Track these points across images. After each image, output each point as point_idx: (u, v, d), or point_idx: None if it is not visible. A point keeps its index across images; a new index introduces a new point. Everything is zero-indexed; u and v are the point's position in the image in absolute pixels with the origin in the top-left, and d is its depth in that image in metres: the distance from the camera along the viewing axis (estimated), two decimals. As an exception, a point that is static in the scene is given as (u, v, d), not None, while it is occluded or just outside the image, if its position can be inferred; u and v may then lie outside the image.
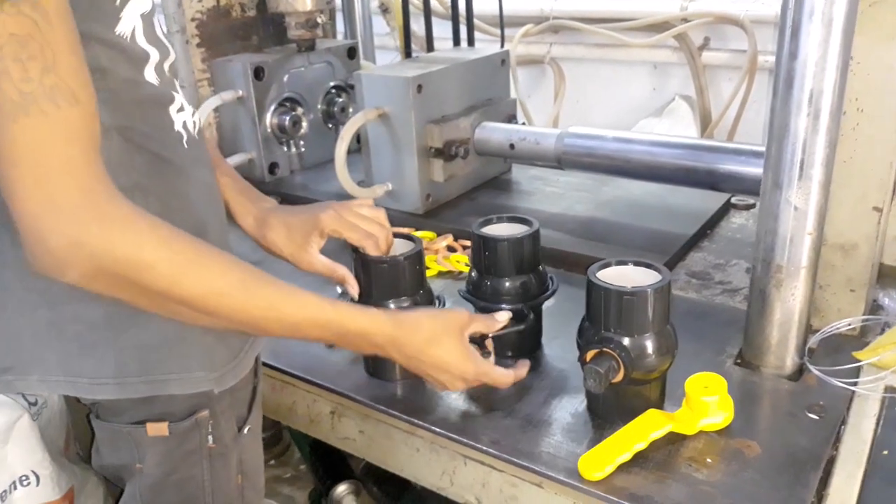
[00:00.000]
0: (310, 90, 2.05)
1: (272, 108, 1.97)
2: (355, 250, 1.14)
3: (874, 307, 1.27)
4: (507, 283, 1.17)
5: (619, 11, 2.98)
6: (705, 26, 2.85)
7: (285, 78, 1.98)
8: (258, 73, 1.90)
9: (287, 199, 1.94)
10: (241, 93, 1.93)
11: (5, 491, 1.48)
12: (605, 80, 3.12)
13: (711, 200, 1.70)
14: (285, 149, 2.04)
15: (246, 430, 1.03)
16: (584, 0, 3.05)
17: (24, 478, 1.50)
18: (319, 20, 1.98)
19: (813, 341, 1.18)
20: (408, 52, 2.21)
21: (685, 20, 2.83)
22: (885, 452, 0.99)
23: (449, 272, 1.50)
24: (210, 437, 0.97)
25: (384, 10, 3.46)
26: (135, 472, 0.98)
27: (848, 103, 1.09)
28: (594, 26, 3.01)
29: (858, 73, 1.08)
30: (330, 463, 1.82)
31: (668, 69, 2.97)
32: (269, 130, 1.98)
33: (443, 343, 1.00)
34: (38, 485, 1.51)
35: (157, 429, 0.93)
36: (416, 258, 1.12)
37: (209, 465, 0.99)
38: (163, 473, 0.97)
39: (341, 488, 1.74)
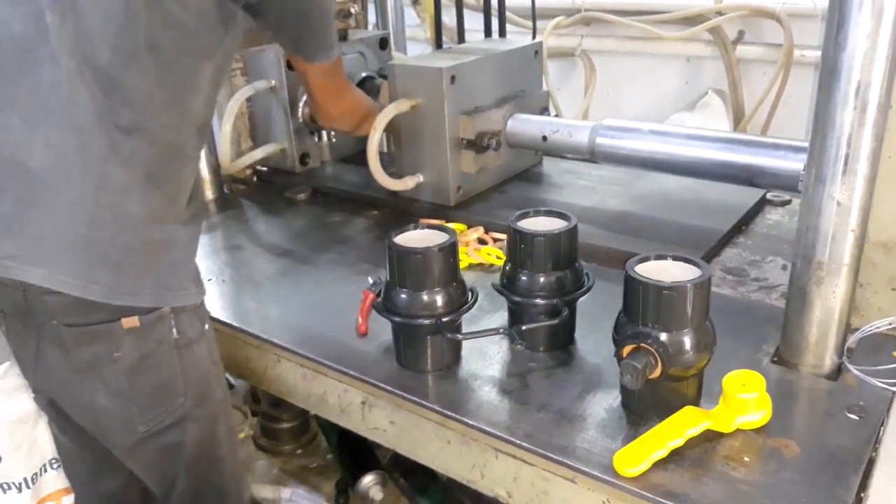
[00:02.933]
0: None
1: (304, 98, 1.97)
2: (388, 241, 1.14)
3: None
4: (543, 279, 1.16)
5: (652, 4, 2.94)
6: (740, 19, 2.80)
7: (318, 68, 1.98)
8: (290, 63, 1.90)
9: (318, 189, 1.95)
10: (273, 82, 1.94)
11: (36, 473, 1.50)
12: (636, 74, 3.09)
13: (747, 196, 1.68)
14: (316, 139, 2.05)
15: (206, 327, 1.26)
16: (616, -8, 3.02)
17: (54, 461, 1.52)
18: (353, 10, 1.98)
19: (852, 340, 1.15)
20: (438, 44, 2.20)
21: (719, 13, 2.79)
22: (928, 454, 0.97)
23: (480, 264, 1.50)
24: (174, 330, 1.19)
25: (415, 1, 3.45)
26: (112, 362, 1.17)
27: (894, 98, 1.07)
28: (626, 19, 2.98)
29: (904, 64, 1.05)
30: (357, 453, 1.83)
31: (701, 63, 2.93)
32: (300, 121, 1.99)
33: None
34: (60, 468, 1.53)
35: (130, 322, 1.15)
36: (450, 249, 1.11)
37: (178, 354, 1.21)
38: (139, 356, 1.17)
39: (368, 479, 1.74)
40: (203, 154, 1.89)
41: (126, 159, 1.12)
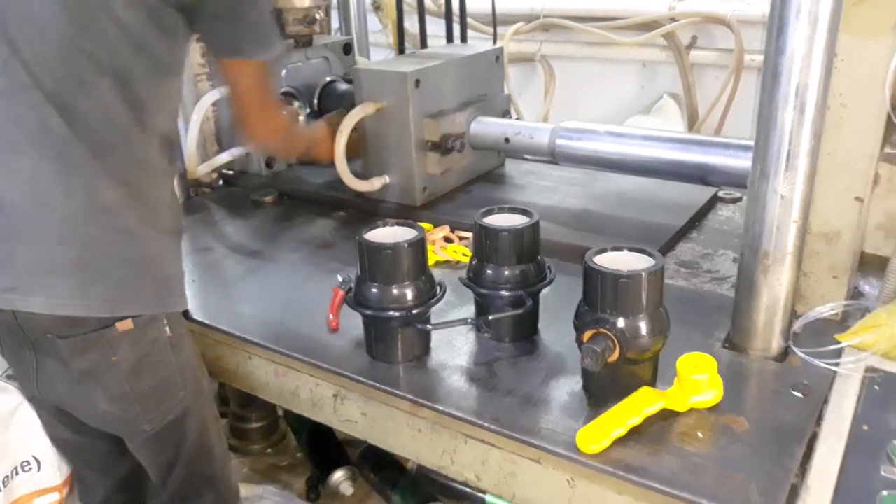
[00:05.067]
0: (307, 84, 2.08)
1: (269, 102, 1.99)
2: (359, 237, 1.18)
3: (855, 294, 1.33)
4: (507, 272, 1.21)
5: (608, 10, 3.03)
6: (693, 26, 2.90)
7: (283, 72, 2.01)
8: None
9: (284, 191, 1.99)
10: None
11: (7, 476, 1.52)
12: (594, 78, 3.17)
13: (699, 194, 1.76)
14: (281, 144, 2.07)
15: (186, 324, 1.33)
16: (574, -1, 3.10)
17: (25, 463, 1.54)
18: (317, 16, 2.02)
19: (797, 326, 1.23)
20: (401, 49, 2.25)
21: (673, 20, 2.88)
22: (866, 427, 1.04)
23: (447, 262, 1.55)
24: (167, 329, 1.25)
25: (377, 7, 3.49)
26: (110, 367, 1.21)
27: (832, 98, 1.15)
28: (584, 25, 3.06)
29: (843, 69, 1.13)
30: (327, 450, 1.86)
31: (656, 68, 3.03)
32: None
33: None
34: (39, 470, 1.55)
35: (124, 325, 1.19)
36: (419, 245, 1.16)
37: (173, 351, 1.27)
38: (137, 357, 1.22)
39: (338, 474, 1.78)
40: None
41: (107, 179, 1.17)
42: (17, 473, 1.54)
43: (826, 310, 1.24)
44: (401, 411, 1.22)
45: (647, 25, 2.93)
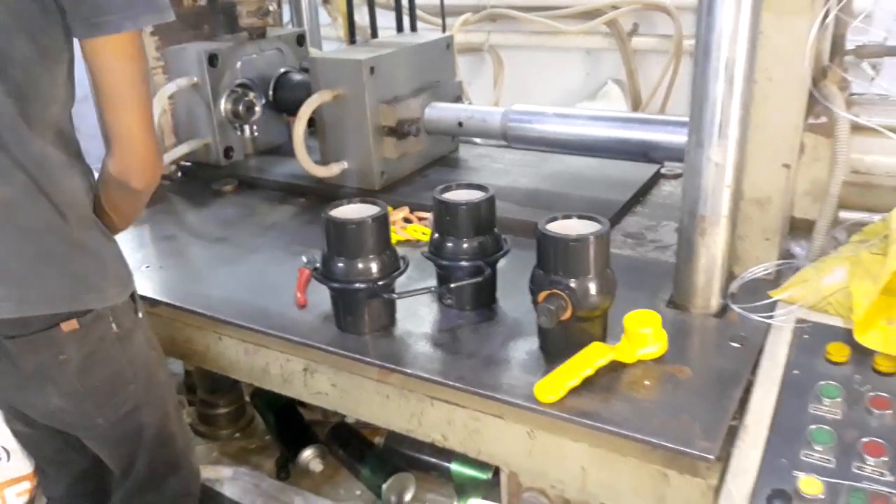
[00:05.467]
0: (262, 76, 2.12)
1: (226, 93, 2.03)
2: (325, 214, 1.24)
3: (787, 255, 1.43)
4: (466, 244, 1.29)
5: (553, 0, 3.12)
6: (634, 13, 3.01)
7: (238, 64, 2.05)
8: (212, 59, 1.97)
9: (244, 180, 2.03)
10: (195, 79, 2.00)
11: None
12: (541, 66, 3.26)
13: (643, 171, 1.86)
14: (239, 133, 2.11)
15: (140, 315, 1.32)
16: (519, -11, 3.18)
17: (-7, 457, 1.55)
18: (270, 8, 2.06)
19: (735, 285, 1.33)
20: (352, 39, 2.30)
21: (615, 7, 2.98)
22: (796, 372, 1.14)
23: (407, 241, 1.61)
24: (113, 325, 1.24)
25: (325, 0, 3.53)
26: (59, 365, 1.21)
27: (759, 72, 1.24)
28: (530, 14, 3.14)
29: (767, 45, 1.23)
30: (295, 431, 1.91)
31: (600, 55, 3.13)
32: (223, 116, 2.05)
33: None
34: (8, 460, 1.58)
35: (69, 325, 1.19)
36: (382, 220, 1.23)
37: (121, 346, 1.27)
38: (84, 355, 1.22)
39: (307, 453, 1.83)
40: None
41: (4, 176, 1.11)
42: (-19, 468, 1.56)
43: (760, 270, 1.35)
44: (369, 379, 1.28)
45: (591, 14, 3.02)
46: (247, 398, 2.06)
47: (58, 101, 1.16)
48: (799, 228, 1.45)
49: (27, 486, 1.61)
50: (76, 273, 1.19)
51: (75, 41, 1.13)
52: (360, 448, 1.81)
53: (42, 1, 1.07)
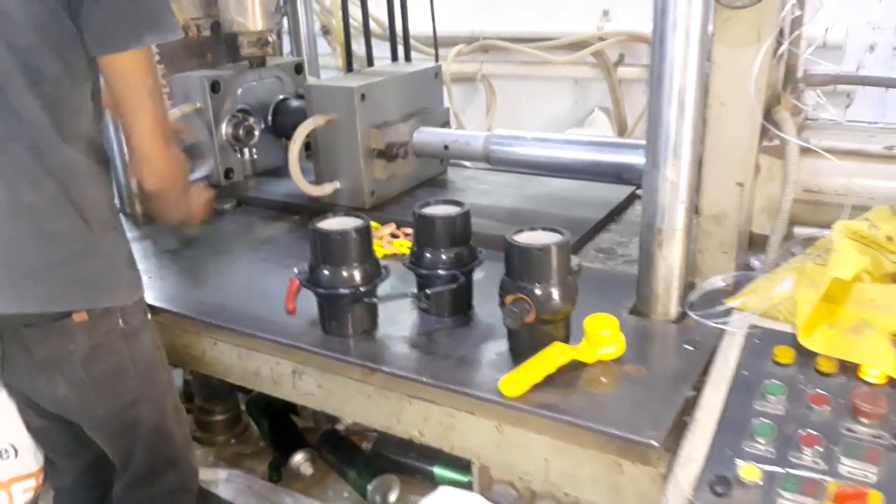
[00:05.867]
0: (261, 102, 2.24)
1: (227, 118, 2.16)
2: (312, 226, 1.35)
3: (748, 269, 1.53)
4: (443, 255, 1.39)
5: (542, 32, 3.26)
6: (620, 44, 3.14)
7: (239, 91, 2.18)
8: (214, 86, 2.09)
9: (242, 200, 2.14)
10: (198, 105, 2.12)
11: (-18, 465, 1.63)
12: (531, 95, 3.39)
13: (619, 192, 1.96)
14: (239, 156, 2.23)
15: (148, 317, 1.44)
16: (510, 21, 3.33)
17: (4, 451, 1.65)
18: (270, 39, 2.19)
19: (694, 295, 1.43)
20: (349, 68, 2.43)
21: (601, 39, 3.12)
22: (745, 373, 1.23)
23: (394, 255, 1.72)
24: (120, 321, 1.35)
25: (325, 31, 3.68)
26: (69, 354, 1.32)
27: (712, 98, 1.36)
28: (520, 46, 3.28)
29: (719, 74, 1.35)
30: (287, 436, 2.00)
31: (587, 84, 3.27)
32: (224, 139, 2.17)
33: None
34: (16, 457, 1.67)
35: (80, 316, 1.31)
36: (365, 231, 1.34)
37: (126, 342, 1.38)
38: (91, 347, 1.33)
39: (298, 457, 1.93)
40: (121, 176, 2.05)
41: (31, 183, 1.25)
42: (-8, 462, 1.66)
43: (717, 280, 1.45)
44: (352, 380, 1.38)
45: (578, 45, 3.16)
46: (242, 407, 2.15)
47: (87, 114, 1.31)
48: (757, 243, 1.56)
49: (32, 483, 1.70)
50: (93, 274, 1.32)
51: None
52: (348, 452, 1.90)
53: (66, 24, 1.20)
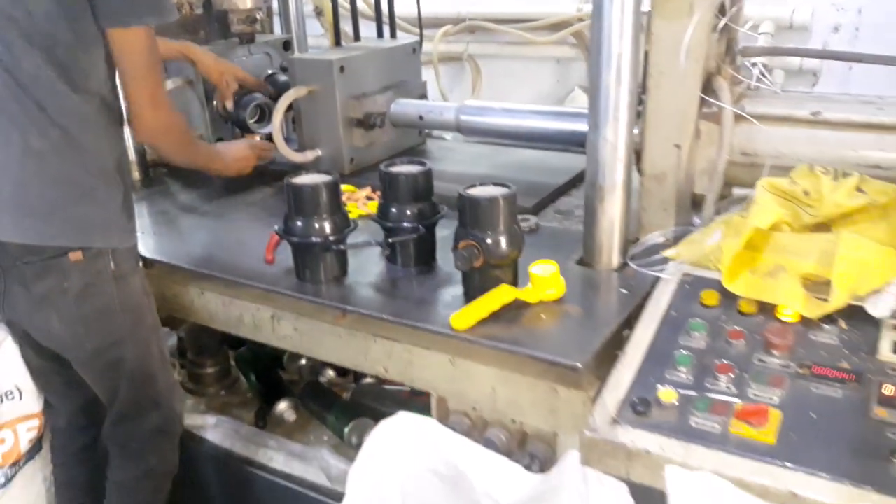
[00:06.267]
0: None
1: (217, 91, 2.28)
2: (287, 179, 1.49)
3: (690, 227, 1.66)
4: (407, 209, 1.53)
5: (525, 13, 3.37)
6: (599, 26, 3.26)
7: (231, 65, 2.31)
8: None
9: (233, 168, 2.28)
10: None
11: (-9, 403, 1.78)
12: (515, 74, 3.51)
13: (582, 161, 2.08)
14: (229, 125, 2.36)
15: (139, 265, 1.61)
16: (495, 3, 3.44)
17: (9, 392, 1.81)
18: (258, 16, 2.32)
19: (636, 249, 1.56)
20: (337, 43, 2.55)
21: (581, 20, 3.23)
22: (674, 313, 1.37)
23: (368, 215, 1.85)
24: (112, 263, 1.50)
25: (318, 13, 3.80)
26: (62, 292, 1.48)
27: (652, 67, 1.49)
28: (505, 26, 3.40)
29: (657, 44, 1.48)
30: (272, 387, 2.15)
31: (568, 63, 3.38)
32: (215, 110, 2.30)
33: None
34: (21, 399, 1.83)
35: (76, 255, 1.47)
36: (333, 185, 1.48)
37: (115, 284, 1.53)
38: (83, 285, 1.49)
39: (282, 405, 2.07)
40: (130, 141, 2.19)
41: (40, 131, 1.43)
42: (1, 402, 1.81)
43: (658, 236, 1.58)
44: (325, 323, 1.53)
45: (559, 25, 3.28)
46: (232, 362, 2.29)
47: (99, 75, 1.48)
48: (699, 203, 1.69)
49: (36, 423, 1.85)
50: (88, 216, 1.48)
51: None
52: (328, 401, 2.04)
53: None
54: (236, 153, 1.95)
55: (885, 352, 1.24)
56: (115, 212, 1.53)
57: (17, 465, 1.85)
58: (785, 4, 2.80)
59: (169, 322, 2.32)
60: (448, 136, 2.51)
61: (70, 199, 1.47)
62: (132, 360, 1.61)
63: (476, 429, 1.46)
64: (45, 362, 1.68)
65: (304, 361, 2.23)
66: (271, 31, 2.76)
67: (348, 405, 2.01)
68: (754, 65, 2.56)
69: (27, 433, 1.85)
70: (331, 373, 2.19)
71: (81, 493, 1.88)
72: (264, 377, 2.17)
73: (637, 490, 1.17)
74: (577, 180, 2.03)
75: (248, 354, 2.24)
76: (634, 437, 1.14)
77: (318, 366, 2.19)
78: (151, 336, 1.65)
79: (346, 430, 1.90)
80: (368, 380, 2.12)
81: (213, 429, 1.99)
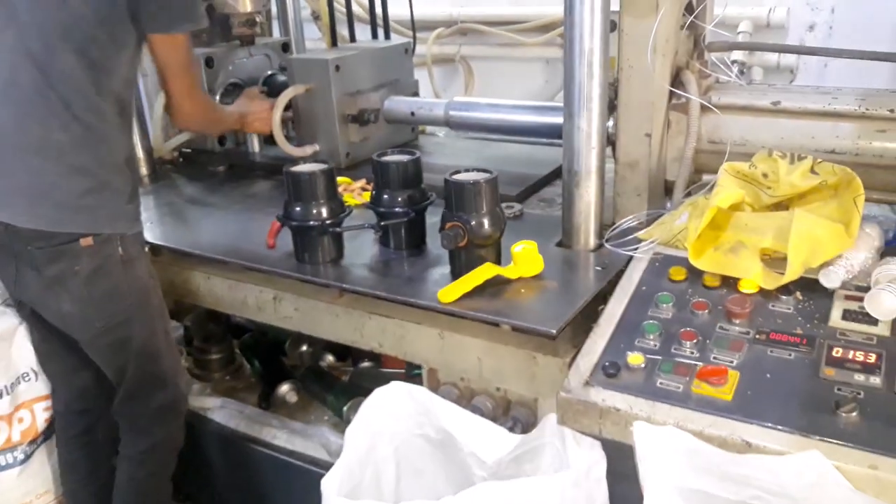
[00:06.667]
0: (251, 76, 2.49)
1: (220, 91, 2.40)
2: (285, 169, 1.61)
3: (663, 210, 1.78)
4: (398, 196, 1.65)
5: (515, 15, 3.49)
6: (586, 27, 3.38)
7: (230, 67, 2.43)
8: (209, 61, 2.34)
9: (234, 164, 2.40)
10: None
11: (12, 384, 1.90)
12: (506, 75, 3.63)
13: (565, 153, 2.21)
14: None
15: (145, 250, 1.71)
16: (486, 5, 3.57)
17: (25, 374, 1.92)
18: (258, 19, 2.44)
19: (611, 232, 1.68)
20: (333, 44, 2.67)
21: (568, 22, 3.36)
22: (644, 288, 1.48)
23: (362, 204, 1.97)
24: (119, 248, 1.61)
25: (315, 17, 3.92)
26: (73, 275, 1.58)
27: (623, 62, 1.61)
28: (495, 28, 3.52)
29: (627, 40, 1.60)
30: (274, 371, 2.27)
31: (556, 64, 3.49)
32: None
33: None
34: (36, 380, 1.94)
35: (86, 241, 1.57)
36: (329, 173, 1.60)
37: (122, 268, 1.63)
38: (93, 268, 1.59)
39: (285, 387, 2.19)
40: (138, 140, 2.32)
41: (62, 125, 1.54)
42: (18, 383, 1.92)
43: (631, 219, 1.70)
44: (323, 302, 1.64)
45: (548, 26, 3.40)
46: (237, 350, 2.41)
47: (122, 77, 1.61)
48: (671, 189, 1.81)
49: (50, 403, 1.97)
50: (100, 206, 1.59)
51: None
52: (328, 382, 2.16)
53: (118, 4, 1.53)
54: (257, 114, 2.15)
55: (835, 319, 1.35)
56: (124, 202, 1.64)
57: (34, 442, 1.96)
58: (762, 4, 2.92)
59: (175, 314, 2.44)
60: (440, 133, 2.63)
61: (84, 190, 1.58)
62: (139, 339, 1.71)
63: (464, 398, 1.58)
64: (48, 346, 1.79)
65: (304, 348, 2.33)
66: (270, 34, 2.88)
67: (347, 386, 2.13)
68: (734, 62, 2.70)
69: (43, 412, 1.96)
70: (330, 357, 2.30)
71: (83, 474, 1.97)
72: (267, 362, 2.28)
73: (609, 446, 1.28)
74: (559, 172, 2.11)
75: (251, 341, 2.36)
76: (605, 397, 1.26)
77: (318, 351, 2.30)
78: (157, 316, 1.76)
79: (345, 408, 2.01)
80: (366, 364, 2.23)
81: (220, 410, 2.11)
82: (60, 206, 1.57)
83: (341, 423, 2.05)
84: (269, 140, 2.49)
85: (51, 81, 1.53)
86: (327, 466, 1.94)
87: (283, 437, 2.00)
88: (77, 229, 1.58)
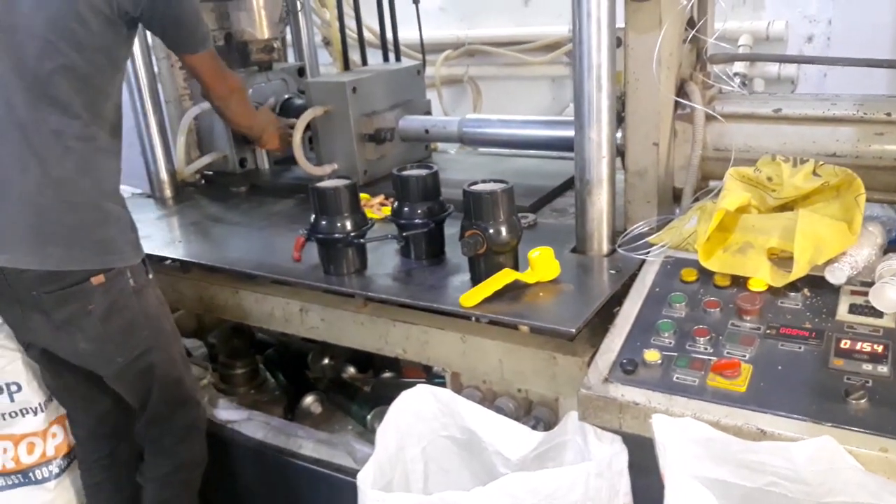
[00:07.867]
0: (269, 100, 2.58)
1: (241, 115, 2.49)
2: (311, 186, 1.68)
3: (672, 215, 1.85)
4: (418, 208, 1.72)
5: (521, 35, 3.59)
6: (590, 45, 3.47)
7: (250, 91, 2.51)
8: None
9: (256, 185, 2.49)
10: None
11: (45, 402, 1.94)
12: (513, 93, 3.72)
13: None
14: (252, 146, 2.57)
15: (150, 276, 1.71)
16: (493, 28, 3.67)
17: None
18: (275, 45, 2.54)
19: (623, 237, 1.75)
20: (346, 68, 2.77)
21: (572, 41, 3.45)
22: (657, 289, 1.55)
23: (382, 219, 2.04)
24: (131, 280, 1.61)
25: (326, 43, 4.03)
26: (87, 314, 1.56)
27: (629, 75, 1.69)
28: (502, 49, 3.62)
29: (632, 55, 1.67)
30: (298, 383, 2.33)
31: (562, 81, 3.59)
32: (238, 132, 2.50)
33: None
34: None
35: (98, 279, 1.56)
36: (352, 188, 1.67)
37: (136, 298, 1.63)
38: (108, 304, 1.58)
39: (309, 398, 2.25)
40: (162, 161, 2.41)
41: (58, 157, 1.53)
42: (51, 400, 1.95)
43: (642, 225, 1.77)
44: (348, 311, 1.71)
45: (553, 46, 3.49)
46: (261, 365, 2.48)
47: (114, 100, 1.64)
48: (679, 196, 1.88)
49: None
50: (105, 238, 1.59)
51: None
52: (351, 393, 2.22)
53: (116, 26, 1.57)
54: (279, 138, 2.28)
55: (842, 313, 1.41)
56: (128, 230, 1.65)
57: (68, 456, 2.02)
58: (761, 18, 3.01)
59: (198, 331, 2.52)
60: (452, 150, 2.71)
61: (90, 223, 1.57)
62: (161, 366, 1.73)
63: (486, 400, 1.64)
64: (61, 381, 1.79)
65: (327, 360, 2.40)
66: (285, 60, 2.98)
67: (369, 396, 2.19)
68: (736, 74, 2.78)
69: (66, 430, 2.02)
70: (352, 369, 2.37)
71: (107, 495, 1.98)
72: (290, 376, 2.35)
73: (629, 440, 1.34)
74: (570, 183, 2.20)
75: (275, 355, 2.43)
76: (624, 392, 1.32)
77: (340, 364, 2.37)
78: (173, 340, 1.78)
79: (369, 417, 2.07)
80: (387, 374, 2.30)
81: (247, 422, 2.16)
82: (67, 243, 1.54)
83: (366, 433, 2.11)
84: (278, 160, 2.60)
85: (45, 114, 1.51)
86: (353, 473, 2.01)
87: (309, 446, 2.06)
88: (88, 266, 1.55)
